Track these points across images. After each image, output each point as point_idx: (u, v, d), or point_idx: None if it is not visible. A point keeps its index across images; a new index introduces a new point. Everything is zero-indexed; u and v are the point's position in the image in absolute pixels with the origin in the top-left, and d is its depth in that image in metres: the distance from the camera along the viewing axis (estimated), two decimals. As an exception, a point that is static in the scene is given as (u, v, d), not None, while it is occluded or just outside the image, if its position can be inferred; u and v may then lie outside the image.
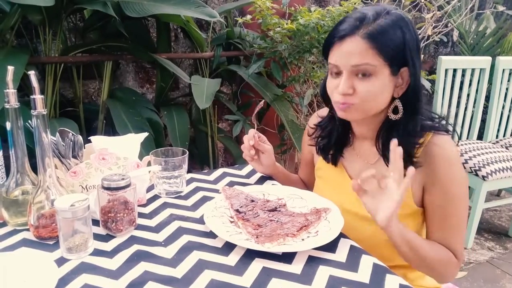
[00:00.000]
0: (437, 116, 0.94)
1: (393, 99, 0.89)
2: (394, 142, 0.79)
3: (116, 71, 2.28)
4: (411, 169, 0.77)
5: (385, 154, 0.91)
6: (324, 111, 1.07)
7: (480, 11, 2.78)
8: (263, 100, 1.09)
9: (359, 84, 0.85)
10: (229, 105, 2.29)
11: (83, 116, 2.03)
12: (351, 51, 0.84)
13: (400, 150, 0.79)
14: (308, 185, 1.22)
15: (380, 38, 0.82)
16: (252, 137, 1.07)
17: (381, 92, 0.86)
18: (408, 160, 0.88)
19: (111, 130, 2.01)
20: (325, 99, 0.98)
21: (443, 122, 0.93)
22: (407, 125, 0.88)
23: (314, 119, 1.12)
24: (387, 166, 0.84)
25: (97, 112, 2.02)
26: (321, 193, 1.02)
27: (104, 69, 1.99)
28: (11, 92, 0.79)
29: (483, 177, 2.17)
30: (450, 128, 0.94)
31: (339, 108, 0.89)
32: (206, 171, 1.20)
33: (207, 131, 2.26)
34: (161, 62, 1.96)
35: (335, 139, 1.01)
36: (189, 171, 1.09)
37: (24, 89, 1.84)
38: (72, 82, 2.02)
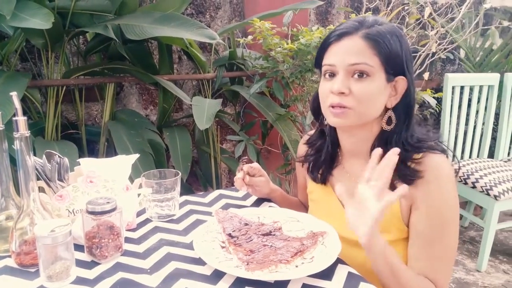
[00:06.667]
0: (431, 135, 0.90)
1: (386, 110, 0.88)
2: (394, 150, 0.74)
3: (120, 93, 2.28)
4: (404, 187, 0.71)
5: None
6: (312, 131, 1.05)
7: (485, 27, 2.74)
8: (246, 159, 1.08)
9: (354, 84, 0.83)
10: (232, 126, 2.27)
11: (85, 139, 2.02)
12: (349, 49, 0.83)
13: (395, 159, 0.73)
14: (308, 208, 1.17)
15: (379, 40, 0.82)
16: (242, 175, 1.04)
17: (377, 94, 0.84)
18: (405, 173, 0.84)
19: (113, 152, 1.99)
20: (315, 113, 0.97)
21: (439, 141, 0.89)
22: (401, 136, 0.86)
23: (303, 141, 1.10)
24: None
25: (99, 134, 2.01)
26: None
27: (106, 92, 1.99)
28: (-5, 114, 0.77)
29: (495, 196, 2.09)
30: (442, 145, 0.90)
31: (332, 114, 0.86)
32: (201, 193, 1.16)
33: (210, 152, 2.23)
34: (162, 84, 1.95)
35: (324, 155, 0.98)
36: (191, 193, 1.05)
37: (26, 111, 1.85)
38: (75, 104, 2.02)
